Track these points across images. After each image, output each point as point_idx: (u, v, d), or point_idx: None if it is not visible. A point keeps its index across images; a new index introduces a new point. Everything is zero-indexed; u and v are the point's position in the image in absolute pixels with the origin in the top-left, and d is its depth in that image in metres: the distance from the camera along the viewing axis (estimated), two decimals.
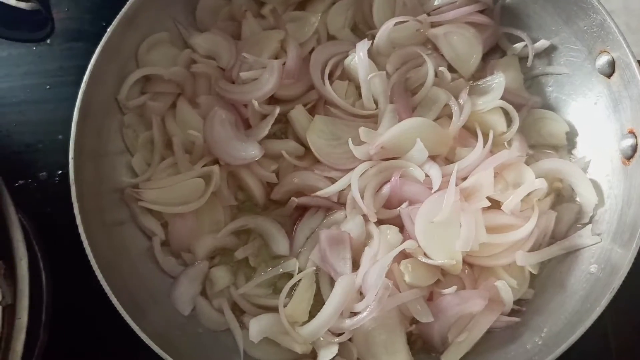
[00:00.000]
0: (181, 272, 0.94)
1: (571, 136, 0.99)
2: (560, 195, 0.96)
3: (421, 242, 0.87)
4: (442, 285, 0.89)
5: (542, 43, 1.01)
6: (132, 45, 0.98)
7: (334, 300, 0.86)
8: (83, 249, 0.83)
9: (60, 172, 1.11)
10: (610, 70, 0.90)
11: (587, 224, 0.91)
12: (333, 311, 0.86)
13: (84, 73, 0.89)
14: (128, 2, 0.92)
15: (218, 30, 1.02)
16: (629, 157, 0.87)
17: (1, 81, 1.18)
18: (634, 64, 0.84)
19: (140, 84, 1.00)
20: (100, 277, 0.82)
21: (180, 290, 0.93)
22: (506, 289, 0.87)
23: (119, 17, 0.92)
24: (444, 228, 0.87)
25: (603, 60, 0.90)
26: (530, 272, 0.91)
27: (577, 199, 0.95)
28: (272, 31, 1.02)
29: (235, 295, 0.93)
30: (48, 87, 1.17)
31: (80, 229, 0.83)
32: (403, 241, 0.88)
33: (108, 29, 0.91)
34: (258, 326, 0.88)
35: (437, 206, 0.87)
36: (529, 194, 0.91)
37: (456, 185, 0.89)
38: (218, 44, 1.01)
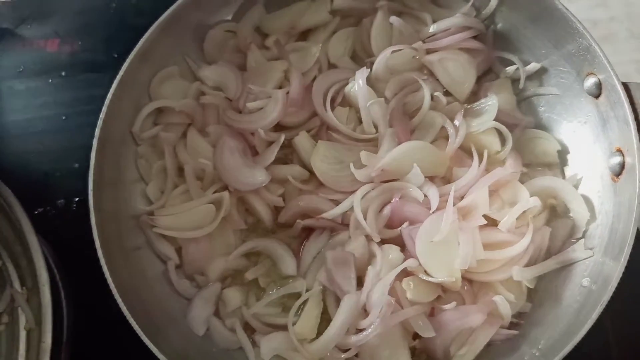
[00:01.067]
0: (195, 294, 0.96)
1: (563, 154, 1.00)
2: (555, 212, 0.98)
3: (422, 260, 0.89)
4: (442, 301, 0.90)
5: (533, 66, 1.03)
6: (145, 79, 1.01)
7: (340, 318, 0.88)
8: (101, 273, 0.85)
9: (77, 199, 1.13)
10: (597, 91, 0.92)
11: (580, 238, 0.93)
12: (340, 328, 0.87)
13: (98, 103, 0.92)
14: (142, 39, 0.95)
15: (225, 63, 1.05)
16: (617, 174, 0.89)
17: (20, 113, 1.21)
18: (618, 86, 0.86)
19: (153, 116, 1.02)
20: (118, 299, 0.84)
21: (195, 311, 0.95)
22: (504, 304, 0.88)
23: (133, 52, 0.95)
24: (443, 247, 0.88)
25: (590, 82, 0.93)
26: (527, 287, 0.93)
27: (571, 214, 0.96)
28: (276, 62, 1.05)
29: (246, 315, 0.94)
30: (64, 117, 1.20)
31: (100, 255, 0.86)
32: (404, 260, 0.90)
33: (123, 65, 0.94)
34: (269, 344, 0.90)
35: (436, 226, 0.89)
36: (524, 212, 0.92)
37: (453, 205, 0.90)
38: (225, 75, 1.03)
